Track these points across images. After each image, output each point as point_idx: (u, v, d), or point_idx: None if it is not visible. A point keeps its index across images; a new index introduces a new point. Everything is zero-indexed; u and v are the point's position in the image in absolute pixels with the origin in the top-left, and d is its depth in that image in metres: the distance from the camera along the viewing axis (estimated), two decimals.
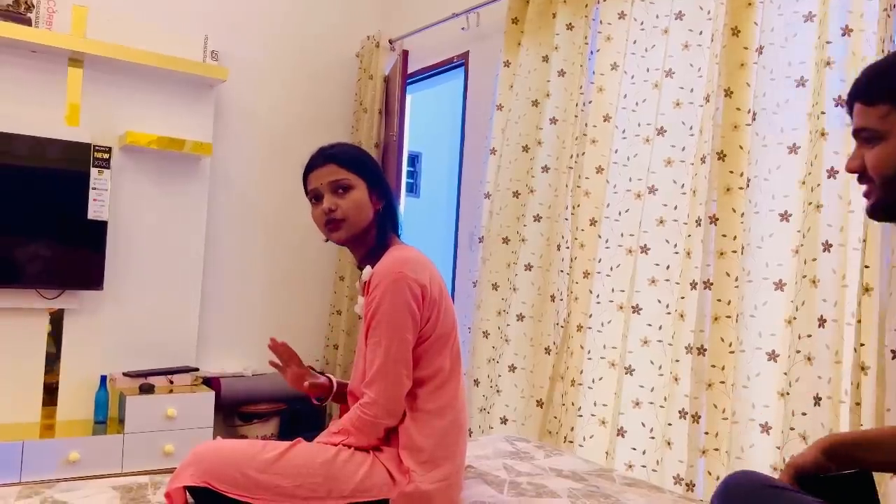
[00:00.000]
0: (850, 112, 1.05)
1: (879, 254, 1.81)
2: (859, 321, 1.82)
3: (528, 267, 2.94)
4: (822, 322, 1.93)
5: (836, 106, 1.99)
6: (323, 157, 1.58)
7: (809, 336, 1.96)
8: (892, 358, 1.70)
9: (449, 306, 1.54)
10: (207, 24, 3.74)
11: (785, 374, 2.03)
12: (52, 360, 3.25)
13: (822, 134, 2.00)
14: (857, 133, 1.04)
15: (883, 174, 1.00)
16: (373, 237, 1.58)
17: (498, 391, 2.95)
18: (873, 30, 1.96)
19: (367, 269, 1.55)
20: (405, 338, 1.44)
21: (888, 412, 1.71)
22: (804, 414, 1.94)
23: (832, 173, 1.97)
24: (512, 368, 2.94)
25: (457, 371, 1.55)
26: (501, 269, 3.04)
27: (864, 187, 1.05)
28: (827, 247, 1.95)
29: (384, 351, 1.43)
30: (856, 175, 1.05)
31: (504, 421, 2.93)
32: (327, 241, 1.61)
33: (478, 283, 3.11)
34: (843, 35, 2.00)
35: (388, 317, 1.43)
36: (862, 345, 1.81)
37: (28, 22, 3.12)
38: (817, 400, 1.92)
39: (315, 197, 1.58)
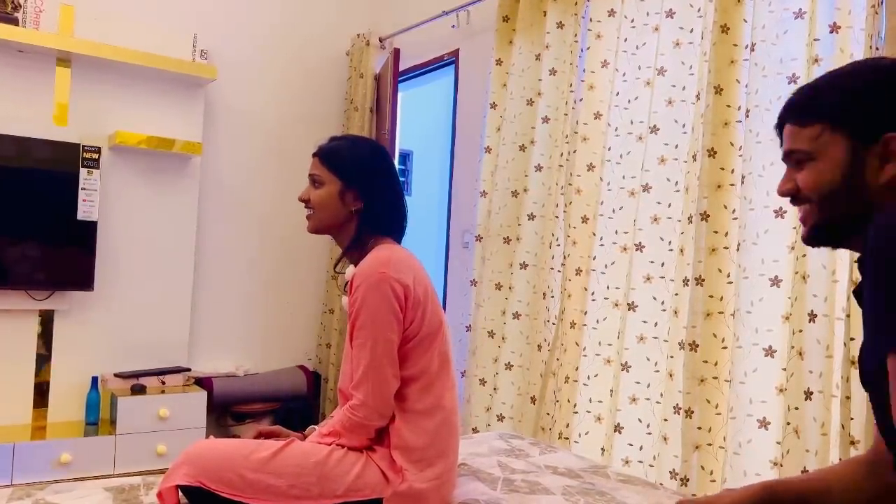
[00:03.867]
0: (780, 134, 1.04)
1: None
2: (848, 316, 1.84)
3: (524, 265, 2.95)
4: (812, 317, 1.95)
5: None
6: (317, 149, 1.62)
7: (801, 331, 1.97)
8: None
9: (435, 306, 1.54)
10: (196, 22, 3.72)
11: (783, 369, 2.04)
12: (43, 362, 3.23)
13: None
14: (787, 155, 1.02)
15: (821, 192, 0.97)
16: (348, 236, 1.58)
17: (495, 388, 2.96)
18: (861, 26, 1.97)
19: (350, 268, 1.56)
20: (389, 338, 1.44)
21: None
22: (796, 408, 1.96)
23: None
24: (508, 366, 2.95)
25: (446, 371, 1.54)
26: (504, 269, 3.05)
27: (801, 213, 1.02)
28: None
29: (369, 352, 1.43)
30: (789, 198, 1.03)
31: (501, 418, 2.94)
32: None
33: (479, 282, 3.11)
34: (831, 32, 2.02)
35: (371, 318, 1.43)
36: (852, 339, 1.82)
37: (15, 21, 3.09)
38: (808, 394, 1.93)
39: None
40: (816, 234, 1.01)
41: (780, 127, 1.04)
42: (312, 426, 1.67)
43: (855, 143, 0.94)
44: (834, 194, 0.96)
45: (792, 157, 1.01)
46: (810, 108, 0.99)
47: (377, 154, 1.63)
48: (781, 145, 1.04)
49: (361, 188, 1.57)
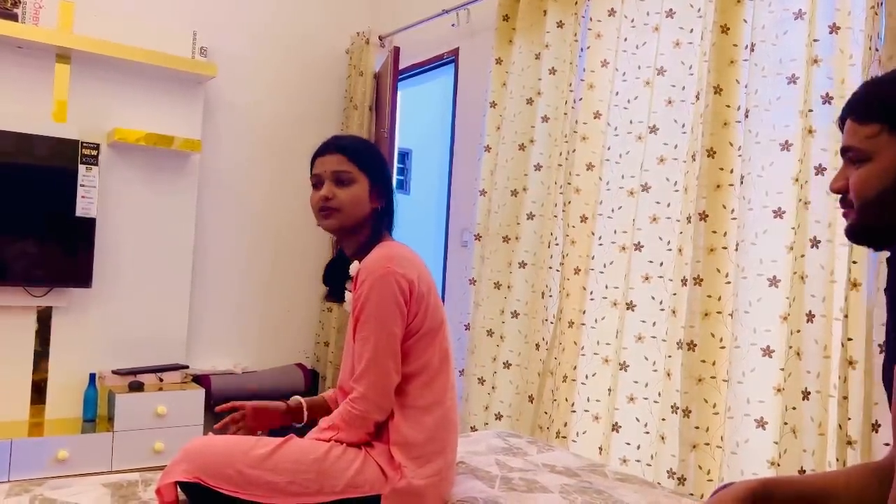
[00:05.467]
0: (842, 127, 1.00)
1: (867, 249, 1.83)
2: (846, 316, 1.84)
3: (523, 264, 2.95)
4: (810, 317, 1.95)
5: (824, 104, 2.01)
6: (334, 146, 1.58)
7: (799, 331, 1.98)
8: (880, 352, 1.72)
9: (437, 303, 1.55)
10: (196, 20, 3.71)
11: (781, 369, 2.04)
12: (41, 358, 3.23)
13: (810, 131, 2.01)
14: (844, 151, 0.99)
15: (863, 197, 0.95)
16: (366, 234, 1.58)
17: (493, 387, 2.97)
18: (860, 27, 1.98)
19: (355, 264, 1.56)
20: (393, 332, 1.45)
21: (876, 406, 1.72)
22: (794, 408, 1.96)
23: (820, 170, 1.99)
24: (507, 365, 2.95)
25: (446, 367, 1.55)
26: (503, 268, 3.05)
27: (844, 209, 1.00)
28: (815, 243, 1.97)
29: (372, 346, 1.44)
30: (839, 196, 1.00)
31: (499, 417, 2.94)
32: (319, 225, 1.60)
33: (477, 281, 3.11)
34: (831, 33, 2.02)
35: (376, 312, 1.44)
36: (850, 339, 1.82)
37: (14, 17, 3.09)
38: (806, 394, 1.94)
39: (317, 182, 1.58)
40: (856, 236, 0.99)
41: (842, 120, 1.00)
42: (296, 397, 1.67)
43: None
44: (879, 201, 0.93)
45: (848, 154, 0.98)
46: (871, 105, 0.95)
47: (381, 150, 1.66)
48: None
49: (384, 185, 1.59)
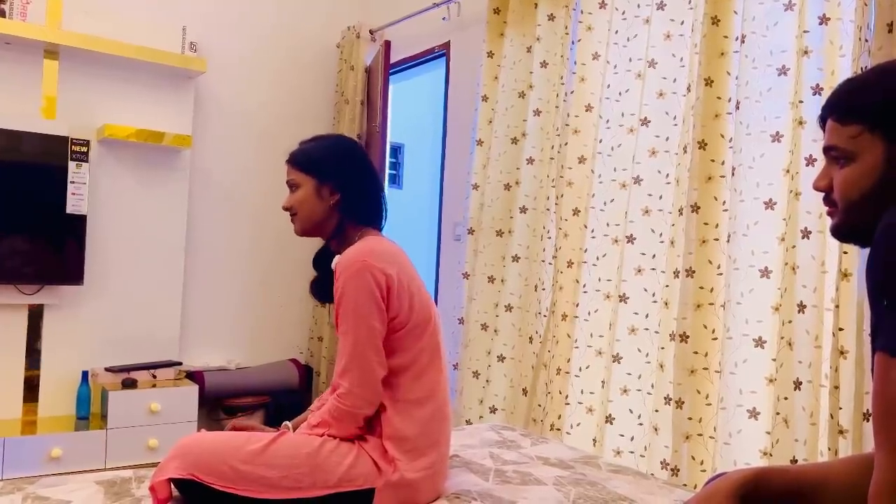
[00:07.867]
0: (823, 126, 1.00)
1: None
2: (837, 306, 1.85)
3: (516, 258, 2.95)
4: (802, 308, 1.96)
5: (815, 95, 2.02)
6: (288, 158, 1.66)
7: (790, 322, 1.99)
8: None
9: (424, 297, 1.55)
10: (185, 14, 3.69)
11: (773, 359, 2.06)
12: (33, 356, 3.21)
13: (801, 123, 2.02)
14: (826, 150, 0.99)
15: (847, 198, 0.95)
16: (332, 227, 1.60)
17: (488, 381, 2.97)
18: (850, 18, 1.98)
19: (336, 258, 1.57)
20: (372, 325, 1.44)
21: (866, 395, 1.74)
22: (786, 398, 1.98)
23: (810, 161, 2.00)
24: (501, 358, 2.96)
25: (436, 361, 1.55)
26: (496, 262, 3.05)
27: (827, 208, 1.01)
28: (806, 233, 1.98)
29: (352, 340, 1.44)
30: (822, 194, 1.01)
31: (493, 410, 2.95)
32: None
33: (471, 275, 3.11)
34: (821, 24, 2.03)
35: (353, 306, 1.44)
36: (841, 329, 1.83)
37: (2, 13, 3.06)
38: (797, 384, 1.95)
39: None
40: (842, 235, 1.00)
41: (823, 119, 1.00)
42: (286, 423, 1.59)
43: (892, 149, 0.90)
44: (863, 201, 0.94)
45: (831, 154, 0.98)
46: (852, 105, 0.95)
47: (345, 146, 1.66)
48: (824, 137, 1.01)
49: (335, 180, 1.59)
